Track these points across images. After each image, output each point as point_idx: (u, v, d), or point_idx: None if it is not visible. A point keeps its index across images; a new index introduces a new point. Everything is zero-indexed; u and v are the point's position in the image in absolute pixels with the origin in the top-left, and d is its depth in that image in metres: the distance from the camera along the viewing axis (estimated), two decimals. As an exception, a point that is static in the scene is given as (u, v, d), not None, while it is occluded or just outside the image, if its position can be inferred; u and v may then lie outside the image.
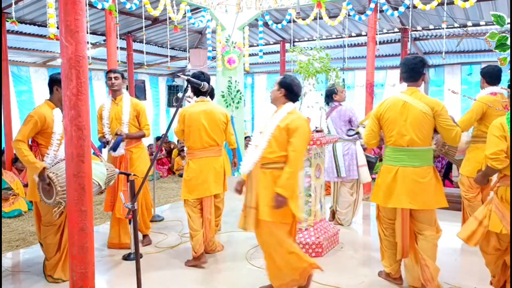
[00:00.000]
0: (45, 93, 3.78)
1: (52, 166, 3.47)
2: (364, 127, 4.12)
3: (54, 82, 3.60)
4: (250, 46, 8.46)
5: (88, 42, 2.77)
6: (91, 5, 5.16)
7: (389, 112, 3.27)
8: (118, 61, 5.74)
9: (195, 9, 7.83)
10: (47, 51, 8.93)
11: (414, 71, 3.27)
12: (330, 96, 5.21)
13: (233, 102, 7.78)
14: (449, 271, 3.65)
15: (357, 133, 4.14)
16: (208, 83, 3.93)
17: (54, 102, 3.62)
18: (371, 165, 5.41)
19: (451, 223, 4.79)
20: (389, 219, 3.42)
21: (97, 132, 4.33)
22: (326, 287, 3.56)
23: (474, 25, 7.90)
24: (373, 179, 5.13)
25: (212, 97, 4.81)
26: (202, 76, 3.96)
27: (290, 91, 3.25)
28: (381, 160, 4.62)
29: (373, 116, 3.40)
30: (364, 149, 5.62)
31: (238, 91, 7.79)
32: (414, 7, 5.76)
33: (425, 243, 3.28)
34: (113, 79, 4.30)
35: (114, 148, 4.28)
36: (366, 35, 7.16)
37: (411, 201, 3.19)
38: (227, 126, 4.21)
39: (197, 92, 4.04)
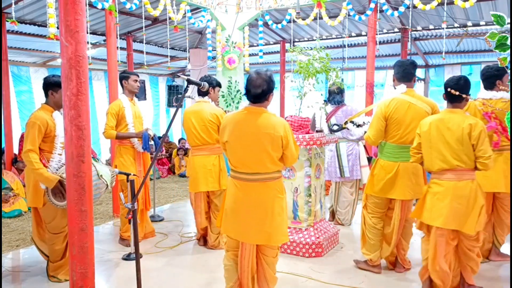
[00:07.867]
0: (45, 93, 3.77)
1: (58, 169, 3.46)
2: (353, 123, 4.13)
3: (48, 86, 3.55)
4: (250, 46, 8.45)
5: (88, 42, 2.77)
6: (91, 5, 5.15)
7: (397, 113, 3.52)
8: (118, 61, 5.72)
9: (195, 9, 7.82)
10: (47, 51, 8.92)
11: (406, 71, 3.60)
12: (340, 94, 5.20)
13: (233, 102, 7.77)
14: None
15: (342, 128, 4.17)
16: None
17: (51, 105, 3.58)
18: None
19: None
20: (380, 209, 3.71)
21: (108, 128, 4.36)
22: (327, 286, 3.56)
23: (474, 25, 7.90)
24: None
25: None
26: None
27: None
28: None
29: (381, 117, 3.57)
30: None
31: (238, 91, 7.78)
32: (414, 7, 5.76)
33: (407, 229, 3.74)
34: (138, 82, 4.57)
35: (147, 146, 4.46)
36: (366, 35, 7.15)
37: (411, 193, 3.56)
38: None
39: (199, 92, 4.45)
